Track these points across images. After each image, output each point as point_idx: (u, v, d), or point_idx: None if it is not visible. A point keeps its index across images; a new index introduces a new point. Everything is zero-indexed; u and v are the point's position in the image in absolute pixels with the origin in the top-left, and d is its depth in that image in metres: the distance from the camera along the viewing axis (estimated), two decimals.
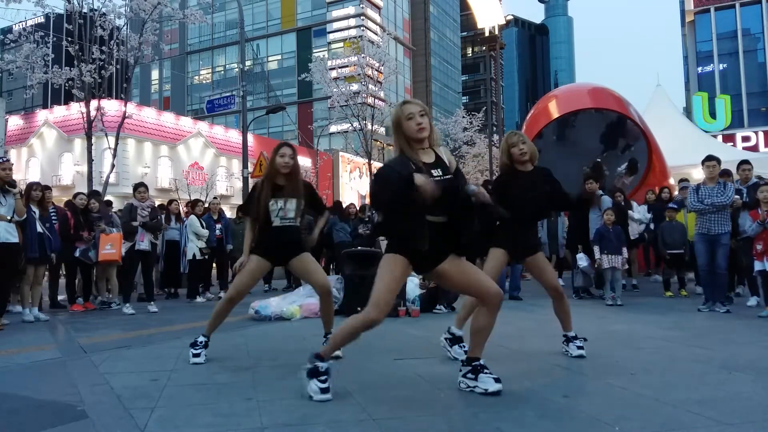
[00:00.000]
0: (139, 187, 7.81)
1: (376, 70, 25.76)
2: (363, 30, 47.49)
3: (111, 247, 7.59)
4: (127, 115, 15.35)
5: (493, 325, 3.08)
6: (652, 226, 9.53)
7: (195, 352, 3.96)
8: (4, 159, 6.19)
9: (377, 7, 55.18)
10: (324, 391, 2.91)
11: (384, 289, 2.90)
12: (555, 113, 13.06)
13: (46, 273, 7.55)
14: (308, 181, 4.33)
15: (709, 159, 6.54)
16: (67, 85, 15.28)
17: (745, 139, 38.36)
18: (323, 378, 2.92)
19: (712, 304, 6.43)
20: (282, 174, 4.06)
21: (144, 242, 7.55)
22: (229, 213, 16.26)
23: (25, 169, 29.75)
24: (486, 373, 3.01)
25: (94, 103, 14.72)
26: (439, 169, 2.92)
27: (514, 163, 4.04)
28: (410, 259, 2.94)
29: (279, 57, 56.06)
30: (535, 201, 3.95)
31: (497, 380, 2.98)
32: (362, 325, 2.95)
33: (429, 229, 2.85)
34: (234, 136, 34.03)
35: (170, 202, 9.81)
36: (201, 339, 4.02)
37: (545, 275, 4.01)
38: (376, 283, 2.92)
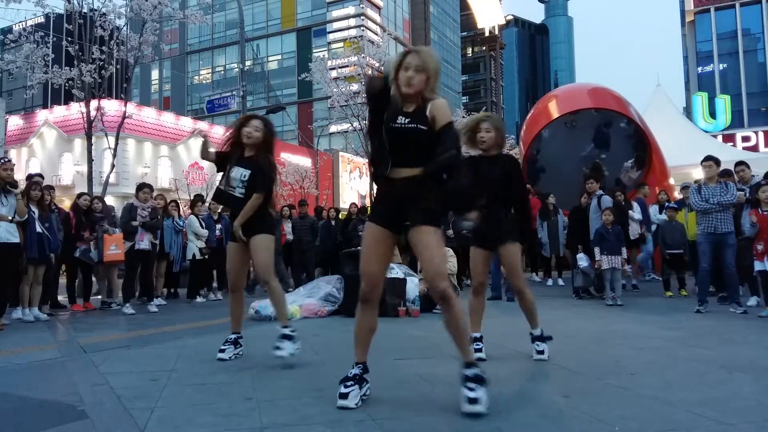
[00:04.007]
0: (144, 187, 7.83)
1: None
2: (363, 30, 47.44)
3: (116, 247, 7.62)
4: (127, 115, 15.32)
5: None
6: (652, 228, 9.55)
7: (222, 347, 4.04)
8: (6, 159, 6.18)
9: (377, 7, 55.16)
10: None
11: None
12: (555, 113, 13.06)
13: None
14: (270, 160, 4.13)
15: (706, 159, 6.59)
16: (67, 85, 15.23)
17: (745, 139, 38.38)
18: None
19: (707, 304, 6.42)
20: (246, 144, 4.07)
21: (144, 242, 7.55)
22: None
23: (25, 169, 29.66)
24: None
25: (94, 103, 14.69)
26: (407, 118, 2.87)
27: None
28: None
29: (279, 57, 56.03)
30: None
31: None
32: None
33: (390, 185, 2.85)
34: None
35: (168, 203, 9.77)
36: (231, 336, 4.10)
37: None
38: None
